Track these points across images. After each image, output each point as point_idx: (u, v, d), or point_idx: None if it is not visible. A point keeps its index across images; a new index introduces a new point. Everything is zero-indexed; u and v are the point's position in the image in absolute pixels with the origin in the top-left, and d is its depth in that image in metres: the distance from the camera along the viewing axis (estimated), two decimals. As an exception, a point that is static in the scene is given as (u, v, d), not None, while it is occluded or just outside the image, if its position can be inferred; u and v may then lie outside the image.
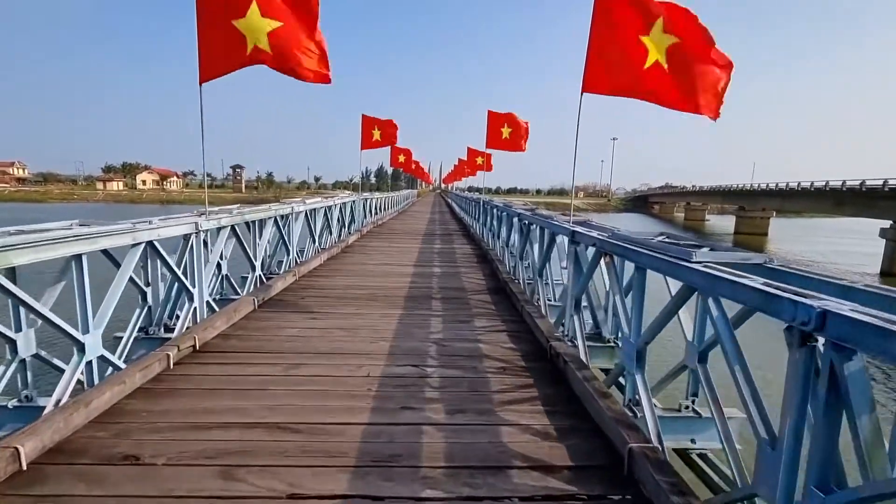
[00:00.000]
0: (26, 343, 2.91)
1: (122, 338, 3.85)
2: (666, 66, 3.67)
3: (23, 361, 2.94)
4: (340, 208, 10.82)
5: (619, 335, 3.59)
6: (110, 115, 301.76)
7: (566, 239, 4.68)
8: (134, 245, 3.51)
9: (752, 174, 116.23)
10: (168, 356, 3.12)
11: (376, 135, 13.00)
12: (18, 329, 2.86)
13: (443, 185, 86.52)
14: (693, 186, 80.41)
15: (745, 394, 1.83)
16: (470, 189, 53.60)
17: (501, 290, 5.82)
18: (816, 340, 1.50)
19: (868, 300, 1.74)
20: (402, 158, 21.54)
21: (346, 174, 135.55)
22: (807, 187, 43.02)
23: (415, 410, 2.62)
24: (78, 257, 2.98)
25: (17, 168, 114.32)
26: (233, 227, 5.09)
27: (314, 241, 8.57)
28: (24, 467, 1.96)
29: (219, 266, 5.53)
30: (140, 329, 4.19)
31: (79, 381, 2.97)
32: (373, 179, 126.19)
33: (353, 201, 12.31)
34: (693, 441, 3.27)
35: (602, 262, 3.60)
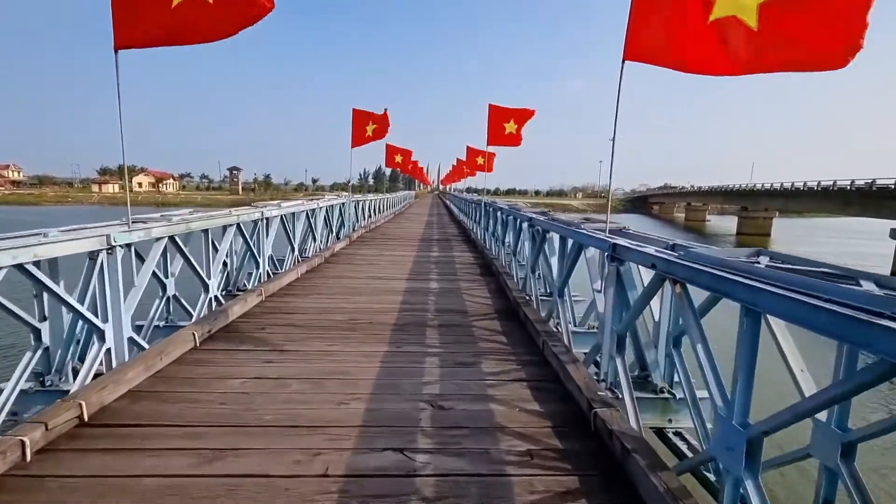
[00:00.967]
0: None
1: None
2: (749, 19, 2.60)
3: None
4: (327, 212, 9.74)
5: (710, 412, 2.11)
6: (108, 117, 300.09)
7: (599, 253, 3.63)
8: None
9: (752, 174, 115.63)
10: (23, 444, 2.05)
11: (370, 130, 11.94)
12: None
13: (441, 187, 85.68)
14: (691, 186, 79.73)
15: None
16: (468, 190, 52.70)
17: (513, 313, 4.75)
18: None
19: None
20: (398, 158, 20.47)
21: (343, 176, 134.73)
22: (813, 187, 42.21)
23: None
24: None
25: (12, 171, 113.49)
26: (172, 239, 4.01)
27: (293, 251, 7.50)
28: None
29: (163, 287, 4.46)
30: (36, 377, 3.14)
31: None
32: (371, 181, 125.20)
33: (343, 204, 11.23)
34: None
35: (671, 290, 2.54)
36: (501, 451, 2.23)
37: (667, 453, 3.13)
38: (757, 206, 53.30)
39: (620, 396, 2.81)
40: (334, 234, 10.37)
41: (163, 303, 4.46)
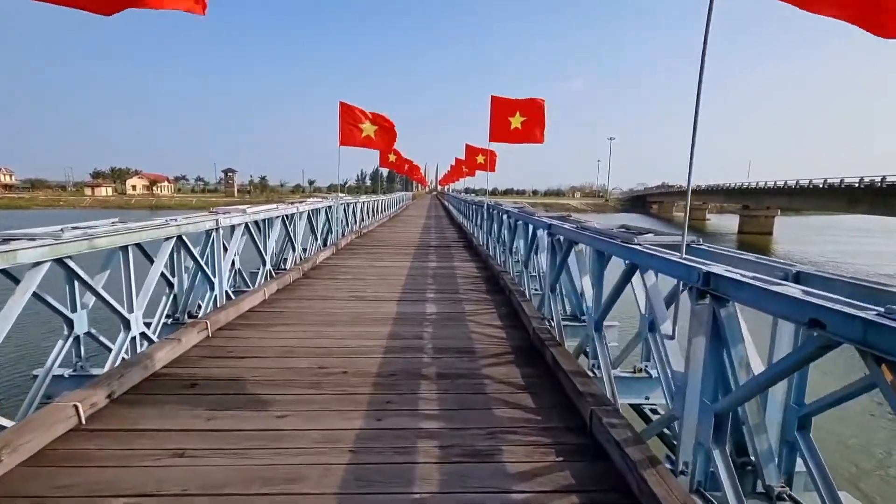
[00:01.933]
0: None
1: None
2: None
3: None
4: (310, 217, 8.59)
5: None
6: (102, 120, 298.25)
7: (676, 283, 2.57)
8: None
9: (748, 173, 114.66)
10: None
11: (368, 130, 10.76)
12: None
13: (439, 187, 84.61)
14: (695, 185, 78.64)
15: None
16: (466, 190, 51.49)
17: (535, 354, 3.60)
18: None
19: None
20: (392, 158, 19.35)
21: (340, 177, 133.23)
22: (819, 185, 41.29)
23: None
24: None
25: (4, 174, 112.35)
26: (62, 262, 2.86)
27: (264, 265, 6.35)
28: None
29: (70, 324, 3.31)
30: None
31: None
32: (368, 182, 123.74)
33: (329, 207, 10.07)
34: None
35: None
36: None
37: None
38: (759, 204, 52.64)
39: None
40: (319, 241, 9.22)
41: (67, 345, 3.31)
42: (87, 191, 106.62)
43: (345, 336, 3.97)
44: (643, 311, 3.17)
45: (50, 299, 3.01)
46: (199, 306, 4.88)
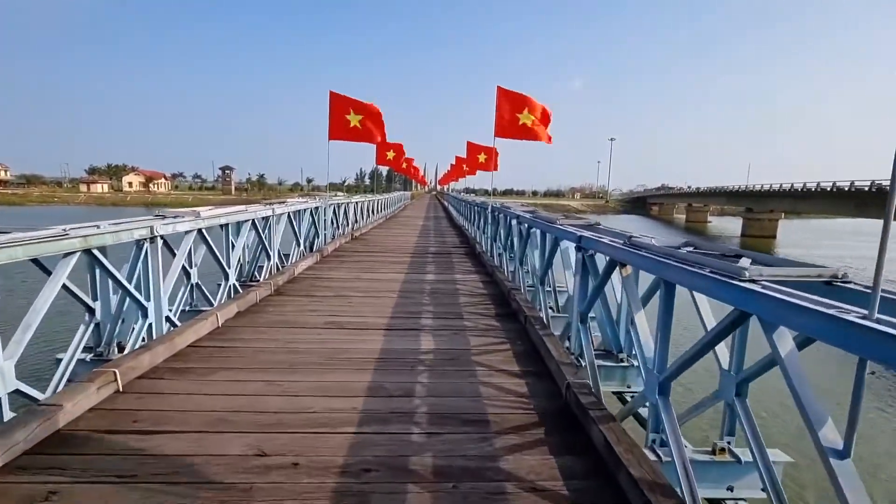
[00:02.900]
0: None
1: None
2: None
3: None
4: (291, 219, 7.50)
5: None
6: (102, 116, 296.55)
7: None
8: None
9: (748, 175, 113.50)
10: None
11: (355, 121, 9.68)
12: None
13: (438, 187, 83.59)
14: (689, 187, 78.02)
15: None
16: (466, 190, 50.38)
17: (576, 428, 2.50)
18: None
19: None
20: (390, 155, 18.26)
21: (339, 176, 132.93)
22: (827, 188, 40.37)
23: None
24: None
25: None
26: None
27: (226, 279, 5.27)
28: None
29: None
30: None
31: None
32: (367, 181, 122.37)
33: (315, 209, 8.98)
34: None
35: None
36: None
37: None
38: (763, 207, 51.84)
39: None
40: (303, 246, 8.13)
41: None
42: (83, 187, 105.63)
43: (307, 391, 2.88)
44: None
45: None
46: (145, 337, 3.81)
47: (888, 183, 1.29)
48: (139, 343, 3.67)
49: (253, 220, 5.89)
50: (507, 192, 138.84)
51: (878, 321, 1.32)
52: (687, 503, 1.92)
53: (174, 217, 4.35)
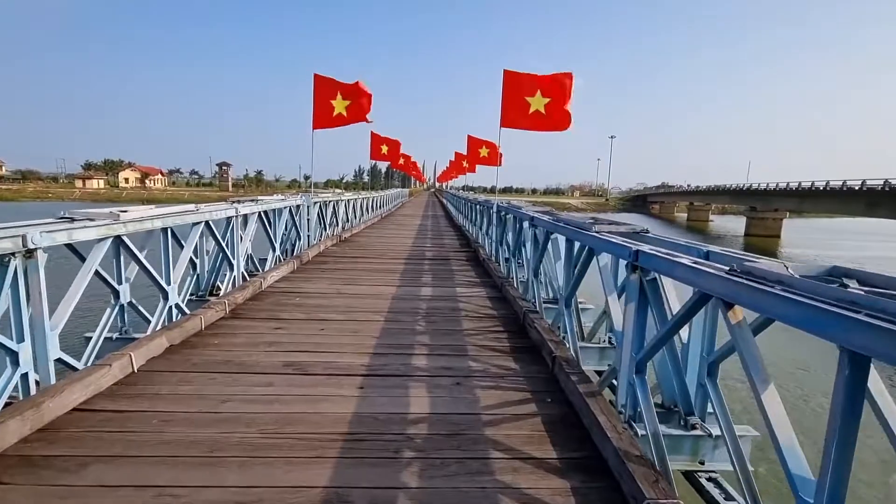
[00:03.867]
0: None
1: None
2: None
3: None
4: (263, 218, 6.36)
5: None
6: (99, 112, 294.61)
7: None
8: None
9: (748, 174, 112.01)
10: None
11: (340, 107, 8.52)
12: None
13: (437, 184, 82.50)
14: (688, 186, 77.01)
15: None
16: (465, 188, 49.06)
17: None
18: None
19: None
20: (385, 149, 17.11)
21: (337, 172, 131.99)
22: (836, 187, 39.34)
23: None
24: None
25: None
26: None
27: (165, 299, 4.13)
28: None
29: None
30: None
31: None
32: (366, 178, 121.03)
33: (296, 207, 7.83)
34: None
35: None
36: None
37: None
38: (767, 206, 50.84)
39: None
40: (278, 251, 6.99)
41: None
42: (78, 183, 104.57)
43: (220, 512, 1.76)
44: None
45: None
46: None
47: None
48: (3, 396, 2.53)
49: (207, 221, 4.74)
50: (506, 190, 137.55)
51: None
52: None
53: (83, 220, 3.21)
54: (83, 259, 3.29)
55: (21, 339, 2.59)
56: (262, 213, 6.26)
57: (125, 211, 3.83)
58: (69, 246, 3.14)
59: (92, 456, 2.06)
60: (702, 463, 2.77)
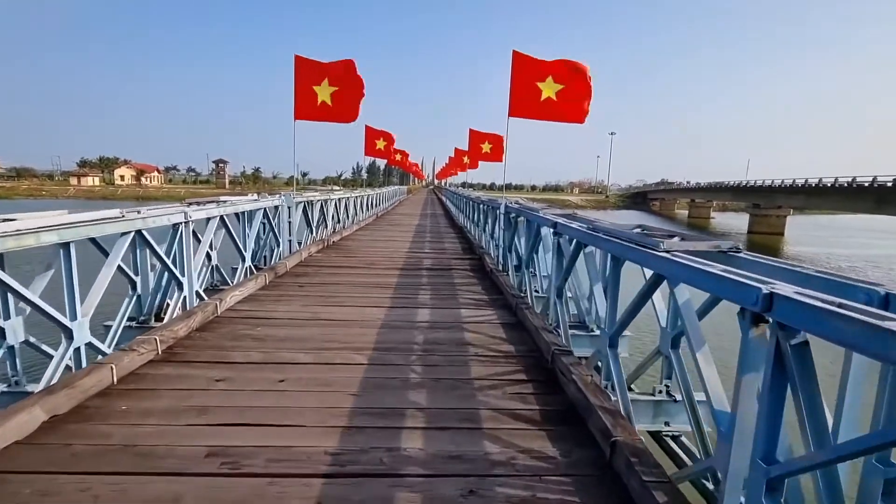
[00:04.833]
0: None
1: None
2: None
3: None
4: (227, 223, 5.27)
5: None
6: (96, 109, 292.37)
7: None
8: None
9: (747, 171, 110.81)
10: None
11: (324, 95, 7.43)
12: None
13: (436, 181, 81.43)
14: (687, 182, 76.13)
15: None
16: (463, 185, 47.88)
17: None
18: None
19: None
20: (380, 144, 16.02)
21: (335, 169, 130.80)
22: (845, 183, 38.44)
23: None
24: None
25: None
26: None
27: (68, 339, 3.04)
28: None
29: None
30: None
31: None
32: (364, 175, 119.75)
33: (274, 208, 6.73)
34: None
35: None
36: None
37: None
38: (771, 203, 50.00)
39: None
40: (248, 263, 5.90)
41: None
42: (73, 180, 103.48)
43: None
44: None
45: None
46: None
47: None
48: None
49: (140, 231, 3.65)
50: (506, 188, 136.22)
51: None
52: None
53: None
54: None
55: None
56: (225, 218, 5.16)
57: (11, 220, 2.75)
58: None
59: None
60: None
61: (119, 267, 3.81)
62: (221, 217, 5.11)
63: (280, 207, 7.08)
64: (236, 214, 5.83)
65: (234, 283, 5.60)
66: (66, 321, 3.01)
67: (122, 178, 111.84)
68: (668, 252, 2.41)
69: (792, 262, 2.07)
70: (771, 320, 1.49)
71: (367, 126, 15.96)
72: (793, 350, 1.43)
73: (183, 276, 4.33)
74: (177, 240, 4.26)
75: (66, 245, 2.98)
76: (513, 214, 6.82)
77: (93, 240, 3.36)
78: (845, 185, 38.66)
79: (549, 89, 7.41)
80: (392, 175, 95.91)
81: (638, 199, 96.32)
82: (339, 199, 11.47)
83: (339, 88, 6.94)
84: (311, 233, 9.09)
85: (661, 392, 3.40)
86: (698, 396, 2.40)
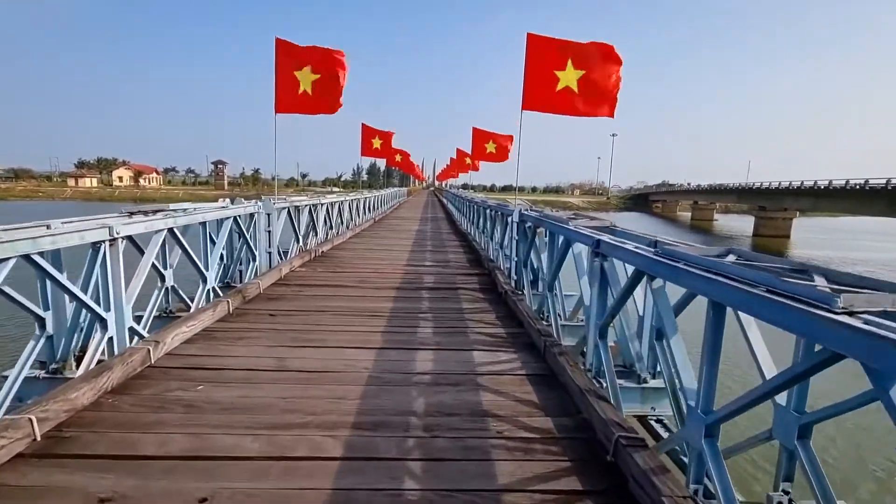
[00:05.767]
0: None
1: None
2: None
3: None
4: (177, 237, 4.21)
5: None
6: (93, 110, 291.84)
7: None
8: None
9: (748, 173, 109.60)
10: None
11: (306, 83, 6.39)
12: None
13: (437, 183, 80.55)
14: (688, 184, 75.17)
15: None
16: (464, 186, 46.85)
17: None
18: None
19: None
20: (377, 143, 15.01)
21: (335, 171, 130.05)
22: (857, 185, 37.48)
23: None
24: None
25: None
26: None
27: None
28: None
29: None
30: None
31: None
32: (365, 176, 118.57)
33: (246, 217, 5.67)
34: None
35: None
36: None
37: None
38: (777, 205, 49.10)
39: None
40: (210, 285, 4.84)
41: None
42: (71, 182, 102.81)
43: None
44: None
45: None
46: None
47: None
48: None
49: (36, 253, 2.60)
50: (507, 188, 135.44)
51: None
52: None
53: None
54: None
55: None
56: (176, 231, 4.09)
57: None
58: None
59: None
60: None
61: (14, 300, 2.77)
62: (171, 231, 4.05)
63: (257, 216, 6.02)
64: (201, 224, 4.81)
65: (196, 307, 4.55)
66: None
67: (121, 179, 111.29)
68: (848, 313, 1.36)
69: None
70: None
71: (363, 124, 14.99)
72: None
73: (108, 310, 3.27)
74: (98, 263, 3.21)
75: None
76: (529, 224, 5.77)
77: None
78: (857, 186, 37.71)
79: (567, 77, 6.39)
80: (392, 177, 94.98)
81: (639, 200, 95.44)
82: (331, 204, 10.40)
83: (321, 77, 5.91)
84: (298, 242, 8.04)
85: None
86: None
